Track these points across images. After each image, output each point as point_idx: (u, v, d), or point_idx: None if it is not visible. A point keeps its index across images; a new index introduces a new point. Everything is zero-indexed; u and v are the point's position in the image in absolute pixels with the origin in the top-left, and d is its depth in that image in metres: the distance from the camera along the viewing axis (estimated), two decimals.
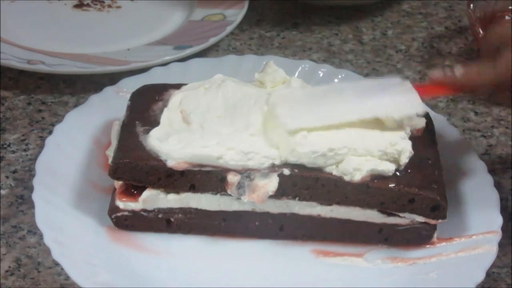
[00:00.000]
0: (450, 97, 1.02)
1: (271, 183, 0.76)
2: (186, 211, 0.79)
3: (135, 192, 0.79)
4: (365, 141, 0.76)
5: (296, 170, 0.76)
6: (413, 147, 0.78)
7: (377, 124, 0.78)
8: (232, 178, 0.76)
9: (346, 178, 0.76)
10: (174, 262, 0.78)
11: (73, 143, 0.85)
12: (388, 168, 0.76)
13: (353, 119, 0.77)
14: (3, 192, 0.85)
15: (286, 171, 0.76)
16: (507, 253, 0.81)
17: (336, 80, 0.97)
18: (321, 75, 0.98)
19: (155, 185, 0.78)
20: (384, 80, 0.84)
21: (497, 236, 0.78)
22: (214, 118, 0.80)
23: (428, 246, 0.80)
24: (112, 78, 0.96)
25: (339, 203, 0.78)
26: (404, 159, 0.77)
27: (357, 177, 0.76)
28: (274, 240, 0.81)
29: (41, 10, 1.15)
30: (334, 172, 0.76)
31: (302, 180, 0.77)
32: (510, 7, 1.08)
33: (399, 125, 0.78)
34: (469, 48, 1.13)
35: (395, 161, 0.77)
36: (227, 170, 0.76)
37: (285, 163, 0.76)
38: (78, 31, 1.11)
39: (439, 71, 0.79)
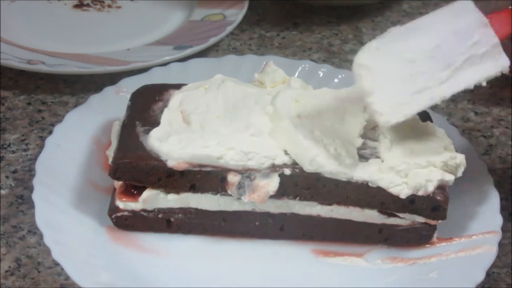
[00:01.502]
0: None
1: (272, 183, 0.76)
2: (186, 211, 0.79)
3: (135, 192, 0.79)
4: (424, 153, 0.76)
5: (297, 170, 0.76)
6: None
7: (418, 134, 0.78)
8: (232, 178, 0.76)
9: (420, 192, 0.75)
10: (174, 262, 0.78)
11: (73, 143, 0.85)
12: (451, 178, 0.77)
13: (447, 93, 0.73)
14: (3, 192, 0.85)
15: (287, 171, 0.76)
16: (507, 253, 0.81)
17: (336, 80, 0.97)
18: (321, 75, 0.98)
19: (155, 185, 0.78)
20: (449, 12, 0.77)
21: (497, 236, 0.78)
22: (214, 118, 0.80)
23: (428, 246, 0.80)
24: (112, 78, 0.96)
25: (339, 203, 0.78)
26: (460, 173, 0.77)
27: (430, 188, 0.75)
28: (274, 240, 0.81)
29: (41, 10, 1.15)
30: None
31: (303, 180, 0.77)
32: (510, 7, 1.08)
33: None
34: None
35: (453, 172, 0.77)
36: (227, 170, 0.76)
37: (292, 163, 0.76)
38: (78, 31, 1.11)
39: None
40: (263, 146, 0.76)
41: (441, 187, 0.77)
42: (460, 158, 0.77)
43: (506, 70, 0.75)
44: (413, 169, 0.75)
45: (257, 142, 0.77)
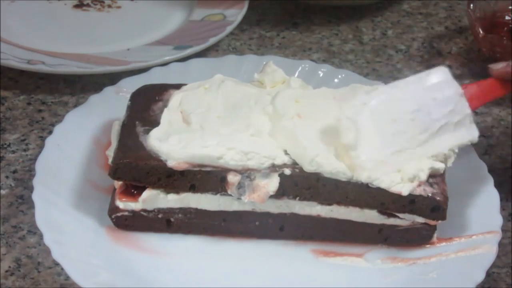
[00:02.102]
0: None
1: (272, 183, 0.76)
2: (186, 211, 0.79)
3: (135, 192, 0.79)
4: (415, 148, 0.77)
5: (297, 170, 0.76)
6: None
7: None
8: (233, 178, 0.76)
9: (415, 182, 0.76)
10: (174, 262, 0.78)
11: (73, 143, 0.85)
12: (441, 166, 0.78)
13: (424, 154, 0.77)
14: (3, 192, 0.85)
15: (287, 171, 0.76)
16: (507, 253, 0.81)
17: (336, 80, 0.97)
18: (321, 75, 0.98)
19: (155, 185, 0.78)
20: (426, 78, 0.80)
21: (497, 236, 0.78)
22: (214, 118, 0.80)
23: (428, 246, 0.80)
24: (112, 78, 0.96)
25: (339, 203, 0.78)
26: (450, 163, 0.78)
27: (423, 177, 0.76)
28: (274, 240, 0.81)
29: (41, 10, 1.15)
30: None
31: (303, 180, 0.77)
32: (510, 7, 1.08)
33: None
34: (469, 48, 1.14)
35: (443, 162, 0.78)
36: (227, 170, 0.76)
37: (292, 163, 0.76)
38: (78, 31, 1.11)
39: (501, 64, 0.79)
40: (263, 146, 0.76)
41: (433, 175, 0.77)
42: (455, 148, 0.78)
43: (475, 141, 0.79)
44: (406, 163, 0.76)
45: (257, 142, 0.77)
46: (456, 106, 0.78)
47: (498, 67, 0.82)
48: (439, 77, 0.80)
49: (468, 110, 0.79)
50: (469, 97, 0.80)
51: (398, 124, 0.77)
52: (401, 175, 0.76)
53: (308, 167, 0.75)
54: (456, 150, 0.79)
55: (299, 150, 0.76)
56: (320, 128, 0.78)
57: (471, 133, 0.79)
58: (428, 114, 0.78)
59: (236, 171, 0.76)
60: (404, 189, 0.75)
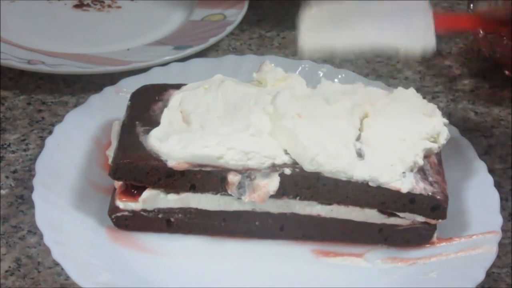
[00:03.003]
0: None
1: (272, 183, 0.76)
2: (186, 211, 0.79)
3: (135, 192, 0.79)
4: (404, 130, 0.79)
5: (297, 170, 0.76)
6: None
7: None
8: (233, 178, 0.76)
9: (414, 169, 0.77)
10: (174, 262, 0.78)
11: (73, 143, 0.85)
12: (434, 146, 0.79)
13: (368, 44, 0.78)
14: (3, 192, 0.85)
15: (287, 171, 0.76)
16: (507, 253, 0.81)
17: (336, 80, 0.97)
18: (321, 75, 0.98)
19: (155, 185, 0.78)
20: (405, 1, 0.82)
21: (497, 236, 0.78)
22: (214, 118, 0.80)
23: (428, 246, 0.80)
24: (112, 78, 0.96)
25: (339, 202, 0.78)
26: (443, 140, 0.80)
27: (420, 161, 0.77)
28: (274, 240, 0.81)
29: (41, 10, 1.15)
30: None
31: (303, 180, 0.77)
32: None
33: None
34: (469, 48, 1.14)
35: (435, 141, 0.80)
36: (228, 170, 0.76)
37: (292, 163, 0.76)
38: (78, 31, 1.11)
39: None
40: (263, 146, 0.76)
41: (427, 156, 0.79)
42: (440, 125, 0.80)
43: (431, 49, 0.79)
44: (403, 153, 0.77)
45: (257, 141, 0.77)
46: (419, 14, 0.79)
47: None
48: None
49: (430, 19, 0.79)
50: (439, 18, 0.80)
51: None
52: (402, 165, 0.76)
53: (308, 167, 0.75)
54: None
55: (299, 150, 0.76)
56: (319, 127, 0.78)
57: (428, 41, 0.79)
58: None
59: (236, 171, 0.76)
60: (403, 186, 0.75)
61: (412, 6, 0.80)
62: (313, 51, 0.78)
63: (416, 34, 0.78)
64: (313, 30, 0.77)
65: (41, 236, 0.75)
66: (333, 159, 0.75)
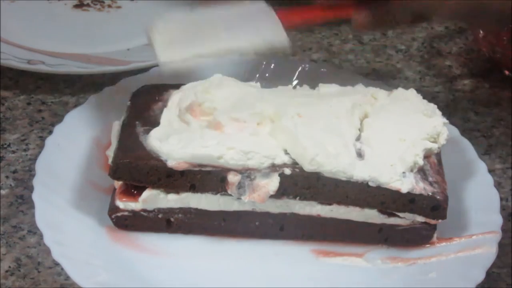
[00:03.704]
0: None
1: (272, 183, 0.76)
2: (186, 211, 0.79)
3: (135, 192, 0.79)
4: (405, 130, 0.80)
5: (297, 170, 0.76)
6: None
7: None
8: (233, 178, 0.76)
9: (415, 169, 0.77)
10: (174, 262, 0.78)
11: (73, 143, 0.85)
12: (434, 146, 0.79)
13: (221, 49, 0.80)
14: (3, 192, 0.85)
15: (287, 171, 0.76)
16: (507, 253, 0.81)
17: (336, 80, 0.97)
18: (321, 75, 0.98)
19: (155, 185, 0.78)
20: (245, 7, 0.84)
21: (497, 236, 0.78)
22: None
23: (428, 246, 0.80)
24: (112, 78, 0.96)
25: (339, 202, 0.78)
26: (443, 140, 0.80)
27: (420, 162, 0.77)
28: (274, 240, 0.81)
29: (41, 10, 1.15)
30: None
31: (303, 180, 0.77)
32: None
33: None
34: (469, 48, 1.14)
35: (435, 141, 0.80)
36: (227, 170, 0.76)
37: (292, 163, 0.76)
38: (78, 31, 1.11)
39: None
40: (263, 146, 0.76)
41: (427, 156, 0.79)
42: (440, 125, 0.80)
43: (285, 45, 0.81)
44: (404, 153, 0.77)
45: (256, 141, 0.77)
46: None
47: None
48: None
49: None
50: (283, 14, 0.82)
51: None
52: (401, 165, 0.76)
53: (308, 167, 0.75)
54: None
55: (299, 150, 0.76)
56: (319, 127, 0.78)
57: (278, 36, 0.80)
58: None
59: (236, 171, 0.76)
60: (403, 186, 0.75)
61: (253, 9, 0.82)
62: (173, 65, 0.78)
63: (266, 34, 0.80)
64: (168, 45, 0.78)
65: (41, 236, 0.75)
66: (333, 159, 0.75)
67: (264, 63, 0.88)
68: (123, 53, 1.04)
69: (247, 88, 0.84)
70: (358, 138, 0.79)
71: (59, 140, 0.85)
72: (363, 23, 0.82)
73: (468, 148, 0.88)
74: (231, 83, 0.85)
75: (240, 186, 0.76)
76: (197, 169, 0.76)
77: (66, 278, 0.75)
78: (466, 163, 0.86)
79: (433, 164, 0.80)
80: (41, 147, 0.85)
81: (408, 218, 0.79)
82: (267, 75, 0.97)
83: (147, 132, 0.78)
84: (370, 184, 0.76)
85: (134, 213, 0.79)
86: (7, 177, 0.87)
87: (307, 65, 0.99)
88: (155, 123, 0.80)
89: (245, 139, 0.77)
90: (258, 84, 0.86)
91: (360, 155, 0.77)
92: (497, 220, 0.79)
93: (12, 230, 0.81)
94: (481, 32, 1.04)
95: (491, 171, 0.86)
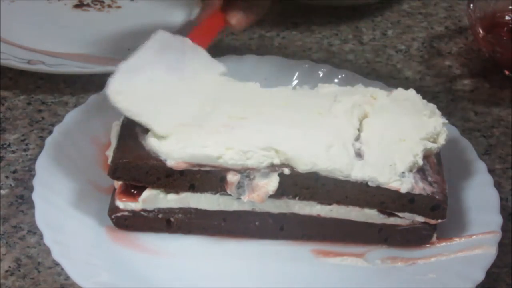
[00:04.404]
0: (448, 95, 1.02)
1: (272, 183, 0.76)
2: (186, 211, 0.79)
3: (135, 192, 0.79)
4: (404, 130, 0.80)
5: (296, 169, 0.76)
6: None
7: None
8: (232, 177, 0.76)
9: (414, 168, 0.77)
10: (174, 262, 0.78)
11: (73, 143, 0.85)
12: (434, 146, 0.79)
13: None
14: (3, 192, 0.85)
15: (286, 171, 0.76)
16: (507, 253, 0.81)
17: (336, 80, 0.97)
18: (321, 75, 0.98)
19: (155, 185, 0.78)
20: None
21: (497, 236, 0.78)
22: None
23: (428, 246, 0.80)
24: None
25: (339, 202, 0.78)
26: (442, 140, 0.80)
27: (420, 161, 0.77)
28: (274, 240, 0.81)
29: (41, 10, 1.15)
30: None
31: (302, 180, 0.77)
32: (510, 7, 1.08)
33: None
34: (469, 48, 1.13)
35: (434, 141, 0.80)
36: (227, 170, 0.76)
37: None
38: (78, 31, 1.11)
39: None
40: (262, 145, 0.76)
41: (427, 156, 0.79)
42: (440, 125, 0.80)
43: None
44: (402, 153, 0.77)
45: (255, 140, 0.77)
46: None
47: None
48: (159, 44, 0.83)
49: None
50: (198, 38, 0.85)
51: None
52: (401, 165, 0.76)
53: (303, 167, 0.75)
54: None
55: (294, 151, 0.76)
56: (318, 127, 0.78)
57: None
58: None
59: (235, 170, 0.76)
60: (403, 186, 0.75)
61: (170, 44, 0.84)
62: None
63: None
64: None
65: (41, 236, 0.75)
66: (328, 158, 0.75)
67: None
68: (123, 53, 1.03)
69: (245, 87, 0.84)
70: (357, 138, 0.79)
71: (59, 140, 0.85)
72: (239, 22, 0.85)
73: (468, 148, 0.88)
74: (229, 82, 0.85)
75: (239, 186, 0.76)
76: (196, 168, 0.76)
77: (66, 278, 0.75)
78: (466, 163, 0.86)
79: (433, 164, 0.80)
80: (41, 147, 0.85)
81: (408, 218, 0.79)
82: (267, 75, 0.96)
83: (147, 132, 0.78)
84: (370, 184, 0.76)
85: (134, 213, 0.79)
86: (7, 177, 0.87)
87: (307, 65, 0.99)
88: None
89: (244, 138, 0.77)
90: (258, 84, 0.86)
91: (359, 155, 0.77)
92: (497, 220, 0.79)
93: (12, 230, 0.81)
94: (481, 32, 1.04)
95: (491, 171, 0.86)
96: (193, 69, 0.83)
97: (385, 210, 0.78)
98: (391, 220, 0.79)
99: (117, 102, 0.77)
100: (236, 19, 0.86)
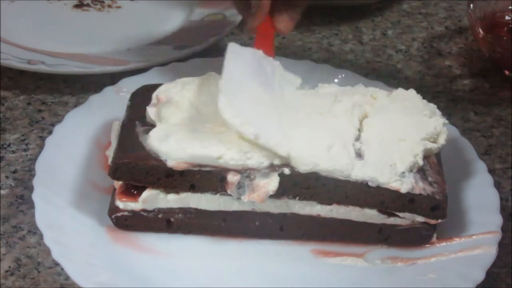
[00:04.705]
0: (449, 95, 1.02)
1: (272, 183, 0.76)
2: (186, 211, 0.79)
3: (135, 192, 0.79)
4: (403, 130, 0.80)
5: (296, 170, 0.76)
6: None
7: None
8: (232, 177, 0.76)
9: (414, 168, 0.77)
10: (174, 262, 0.78)
11: (73, 143, 0.85)
12: (434, 146, 0.79)
13: None
14: (3, 192, 0.85)
15: (287, 171, 0.76)
16: (507, 253, 0.81)
17: (336, 80, 0.97)
18: (321, 75, 0.98)
19: (155, 185, 0.78)
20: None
21: (497, 236, 0.78)
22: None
23: (428, 246, 0.80)
24: (112, 78, 0.96)
25: (339, 202, 0.78)
26: (443, 140, 0.80)
27: (420, 161, 0.77)
28: (274, 240, 0.81)
29: (41, 10, 1.15)
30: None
31: (303, 180, 0.77)
32: (510, 7, 1.08)
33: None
34: (469, 48, 1.14)
35: (434, 141, 0.80)
36: (227, 170, 0.76)
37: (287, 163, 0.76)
38: (78, 31, 1.11)
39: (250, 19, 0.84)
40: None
41: (427, 156, 0.79)
42: (440, 125, 0.80)
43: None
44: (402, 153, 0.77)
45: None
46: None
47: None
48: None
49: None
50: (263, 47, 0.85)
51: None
52: (401, 165, 0.76)
53: (304, 167, 0.75)
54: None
55: (294, 151, 0.76)
56: (318, 127, 0.78)
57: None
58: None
59: (235, 170, 0.76)
60: (403, 186, 0.75)
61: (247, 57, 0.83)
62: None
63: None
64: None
65: (41, 236, 0.75)
66: (329, 159, 0.75)
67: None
68: (123, 53, 1.04)
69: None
70: (357, 138, 0.79)
71: (59, 140, 0.85)
72: (287, 26, 0.85)
73: (468, 148, 0.88)
74: None
75: (239, 186, 0.76)
76: (196, 169, 0.76)
77: (66, 278, 0.75)
78: (466, 163, 0.86)
79: (433, 164, 0.80)
80: (41, 147, 0.85)
81: (408, 218, 0.79)
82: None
83: (147, 132, 0.78)
84: (370, 184, 0.76)
85: (134, 213, 0.79)
86: (7, 177, 0.87)
87: (307, 65, 0.99)
88: (154, 123, 0.80)
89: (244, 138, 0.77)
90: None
91: (359, 155, 0.77)
92: (497, 220, 0.79)
93: (12, 230, 0.81)
94: (481, 32, 1.04)
95: (491, 171, 0.86)
96: (279, 83, 0.83)
97: (385, 210, 0.78)
98: (391, 220, 0.79)
99: (239, 126, 0.74)
100: (283, 24, 0.86)
